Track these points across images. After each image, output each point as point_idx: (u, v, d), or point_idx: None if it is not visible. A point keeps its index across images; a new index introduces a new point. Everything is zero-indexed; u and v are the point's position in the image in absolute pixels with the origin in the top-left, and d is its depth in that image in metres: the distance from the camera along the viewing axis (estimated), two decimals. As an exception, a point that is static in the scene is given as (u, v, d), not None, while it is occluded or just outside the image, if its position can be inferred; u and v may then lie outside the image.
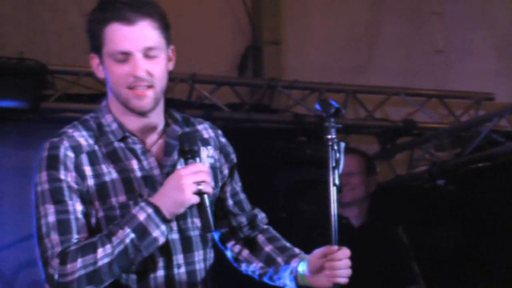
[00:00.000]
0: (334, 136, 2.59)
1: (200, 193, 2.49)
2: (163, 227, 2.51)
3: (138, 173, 2.61)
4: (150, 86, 2.57)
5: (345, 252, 2.57)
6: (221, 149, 2.89)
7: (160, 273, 2.64)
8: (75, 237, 2.50)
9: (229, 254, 2.99)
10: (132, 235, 2.50)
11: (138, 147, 2.67)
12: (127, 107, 2.66)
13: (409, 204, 6.31)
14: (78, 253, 2.48)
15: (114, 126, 2.69)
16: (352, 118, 6.44)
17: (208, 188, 2.52)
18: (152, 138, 2.69)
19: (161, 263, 2.64)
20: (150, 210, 2.48)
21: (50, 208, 2.52)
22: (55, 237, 2.49)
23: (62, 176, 2.54)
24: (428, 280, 4.98)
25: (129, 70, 2.57)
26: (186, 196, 2.47)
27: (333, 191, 2.61)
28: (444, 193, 6.48)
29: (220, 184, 2.87)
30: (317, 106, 2.68)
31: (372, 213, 4.81)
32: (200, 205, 2.53)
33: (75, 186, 2.57)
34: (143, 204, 2.50)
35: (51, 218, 2.50)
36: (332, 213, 2.62)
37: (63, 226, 2.52)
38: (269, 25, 6.64)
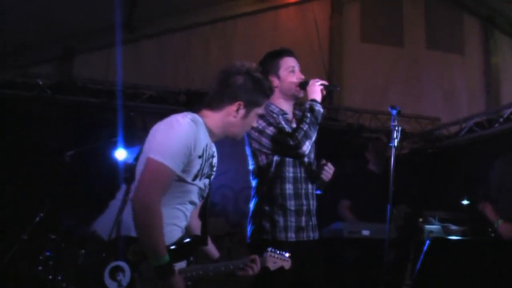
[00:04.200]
0: (395, 124, 3.46)
1: (323, 85, 3.39)
2: (318, 104, 3.36)
3: (288, 127, 3.46)
4: None
5: (330, 165, 3.48)
6: None
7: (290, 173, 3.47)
8: (285, 133, 3.33)
9: None
10: (309, 113, 3.33)
11: (288, 118, 3.52)
12: (291, 97, 3.53)
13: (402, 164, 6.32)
14: (294, 131, 3.33)
15: (277, 110, 3.50)
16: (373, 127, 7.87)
17: (324, 83, 3.42)
18: (291, 114, 3.56)
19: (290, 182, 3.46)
20: (310, 101, 3.37)
21: (271, 128, 3.36)
22: (279, 134, 3.33)
23: (268, 119, 3.38)
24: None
25: (296, 76, 3.51)
26: (318, 88, 3.38)
27: (393, 150, 3.49)
28: (413, 159, 7.94)
29: None
30: (389, 108, 3.56)
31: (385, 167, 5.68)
32: (327, 94, 3.41)
33: (275, 123, 3.39)
34: (307, 102, 3.38)
35: (273, 130, 3.35)
36: (392, 162, 3.50)
37: (278, 131, 3.35)
38: (336, 81, 8.05)
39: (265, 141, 3.36)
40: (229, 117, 2.71)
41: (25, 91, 6.77)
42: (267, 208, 3.39)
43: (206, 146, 2.65)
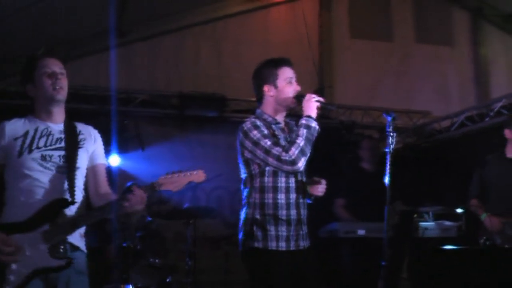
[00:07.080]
0: (390, 130, 3.44)
1: (319, 102, 3.38)
2: (314, 121, 3.33)
3: (282, 137, 3.44)
4: None
5: (324, 182, 3.50)
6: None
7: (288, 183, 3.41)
8: (280, 146, 3.30)
9: None
10: (305, 129, 3.30)
11: (281, 127, 3.50)
12: (285, 107, 3.51)
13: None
14: (290, 145, 3.31)
15: (270, 119, 3.48)
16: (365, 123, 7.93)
17: (321, 100, 3.39)
18: (283, 123, 3.56)
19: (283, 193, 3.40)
20: (306, 118, 3.33)
21: (266, 141, 3.33)
22: (275, 148, 3.30)
23: (263, 130, 3.36)
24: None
25: (293, 88, 3.47)
26: (314, 105, 3.35)
27: (389, 155, 3.44)
28: (407, 154, 7.98)
29: None
30: (384, 114, 3.54)
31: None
32: (320, 107, 3.38)
33: (269, 135, 3.36)
34: (303, 118, 3.34)
35: (268, 143, 3.33)
36: (387, 168, 3.44)
37: (274, 144, 3.31)
38: (327, 78, 8.21)
39: (259, 153, 3.33)
40: (33, 95, 3.05)
41: (18, 99, 6.63)
42: (258, 217, 3.36)
43: (33, 129, 2.98)
